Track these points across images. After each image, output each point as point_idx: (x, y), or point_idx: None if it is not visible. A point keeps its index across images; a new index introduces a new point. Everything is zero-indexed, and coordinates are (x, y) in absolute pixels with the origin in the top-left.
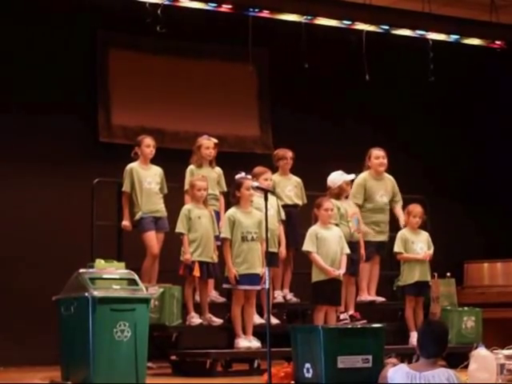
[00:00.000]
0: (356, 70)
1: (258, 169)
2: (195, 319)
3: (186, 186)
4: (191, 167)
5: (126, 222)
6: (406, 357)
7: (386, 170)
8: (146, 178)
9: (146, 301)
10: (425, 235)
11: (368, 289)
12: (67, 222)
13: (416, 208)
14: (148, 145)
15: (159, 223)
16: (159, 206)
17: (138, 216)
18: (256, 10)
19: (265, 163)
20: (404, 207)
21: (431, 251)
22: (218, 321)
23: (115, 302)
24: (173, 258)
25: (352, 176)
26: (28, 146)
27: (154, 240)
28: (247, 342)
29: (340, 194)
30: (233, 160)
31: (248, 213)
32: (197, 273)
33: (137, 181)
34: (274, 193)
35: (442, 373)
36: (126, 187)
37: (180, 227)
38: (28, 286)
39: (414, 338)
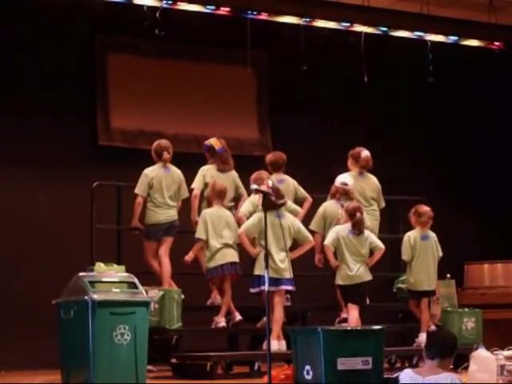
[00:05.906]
0: (355, 71)
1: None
2: (223, 323)
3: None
4: None
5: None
6: (407, 358)
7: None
8: None
9: (145, 304)
10: None
11: None
12: (67, 225)
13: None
14: None
15: None
16: None
17: None
18: (254, 13)
19: (263, 166)
20: (408, 209)
21: None
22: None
23: (115, 306)
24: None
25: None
26: (27, 149)
27: None
28: (276, 345)
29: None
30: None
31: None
32: None
33: None
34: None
35: (446, 377)
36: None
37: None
38: (28, 290)
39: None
